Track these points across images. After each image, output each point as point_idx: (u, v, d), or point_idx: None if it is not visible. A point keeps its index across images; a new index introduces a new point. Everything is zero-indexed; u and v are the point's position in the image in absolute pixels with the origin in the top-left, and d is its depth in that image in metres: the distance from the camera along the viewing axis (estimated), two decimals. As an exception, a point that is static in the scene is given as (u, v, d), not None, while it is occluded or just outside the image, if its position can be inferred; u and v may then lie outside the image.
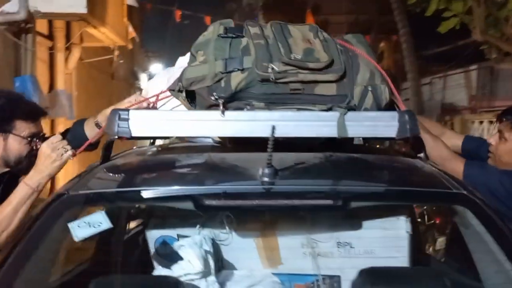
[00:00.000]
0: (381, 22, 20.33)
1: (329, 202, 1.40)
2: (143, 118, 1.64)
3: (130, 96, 2.07)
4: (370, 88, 1.73)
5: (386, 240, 1.59)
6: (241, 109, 1.67)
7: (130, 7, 7.67)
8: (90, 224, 1.29)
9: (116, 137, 1.65)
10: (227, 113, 1.63)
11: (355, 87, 1.72)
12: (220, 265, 1.76)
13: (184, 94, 1.76)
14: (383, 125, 1.68)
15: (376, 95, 1.74)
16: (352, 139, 1.95)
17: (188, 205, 1.43)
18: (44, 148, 1.84)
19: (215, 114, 1.63)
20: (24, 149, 1.95)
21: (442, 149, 1.96)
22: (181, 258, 1.51)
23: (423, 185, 1.52)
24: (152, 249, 1.71)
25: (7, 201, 1.83)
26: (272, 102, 1.68)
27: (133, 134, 1.62)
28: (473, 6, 7.94)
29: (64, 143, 1.86)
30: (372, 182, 1.52)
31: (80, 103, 6.87)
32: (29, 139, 1.95)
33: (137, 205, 1.94)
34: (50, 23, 6.22)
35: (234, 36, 1.72)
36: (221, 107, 1.62)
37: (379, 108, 1.73)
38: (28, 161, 1.95)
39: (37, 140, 1.96)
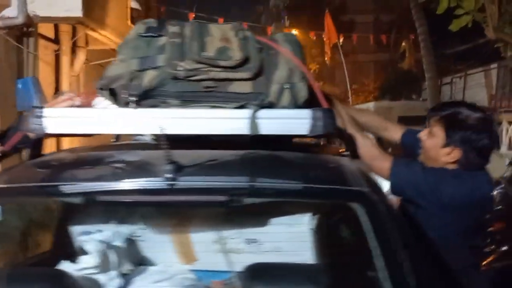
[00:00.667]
0: (403, 21, 20.05)
1: (220, 198, 1.41)
2: (58, 116, 1.68)
3: None
4: (287, 86, 1.73)
5: (291, 236, 1.59)
6: (156, 106, 1.70)
7: (141, 12, 7.83)
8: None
9: (43, 134, 1.71)
10: (139, 110, 1.66)
11: (272, 85, 1.72)
12: (138, 261, 1.79)
13: (108, 92, 1.80)
14: (296, 122, 1.67)
15: (293, 93, 1.73)
16: (291, 137, 1.96)
17: (86, 200, 1.45)
18: None
19: (126, 112, 1.66)
20: None
21: (370, 148, 1.93)
22: (85, 253, 1.55)
23: (320, 182, 1.50)
24: (75, 244, 1.76)
25: None
26: (186, 100, 1.69)
27: (48, 131, 1.66)
28: (486, 3, 7.75)
29: None
30: (269, 178, 1.51)
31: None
32: None
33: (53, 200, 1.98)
34: (56, 27, 6.40)
35: (154, 35, 1.75)
36: (133, 104, 1.65)
37: (297, 105, 1.73)
38: None
39: None
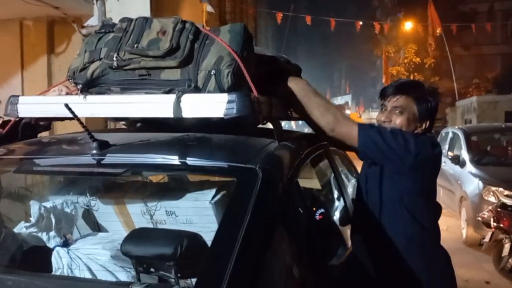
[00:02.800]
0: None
1: (119, 170, 1.61)
2: (28, 102, 2.01)
3: None
4: (213, 73, 1.86)
5: (198, 210, 1.73)
6: (103, 93, 1.95)
7: (211, 14, 8.24)
8: None
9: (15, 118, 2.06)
10: (88, 97, 1.93)
11: (199, 72, 1.86)
12: (96, 227, 2.07)
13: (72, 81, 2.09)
14: (213, 106, 1.79)
15: (218, 79, 1.85)
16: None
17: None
18: None
19: (79, 98, 1.93)
20: None
21: (335, 112, 2.01)
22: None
23: (214, 159, 1.62)
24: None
25: None
26: (125, 87, 1.92)
27: (20, 115, 2.01)
28: None
29: None
30: (164, 155, 1.67)
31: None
32: None
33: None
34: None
35: (106, 31, 2.01)
36: (79, 92, 1.92)
37: (221, 90, 1.84)
38: None
39: None
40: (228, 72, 1.84)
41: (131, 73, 1.90)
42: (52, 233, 1.84)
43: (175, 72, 1.87)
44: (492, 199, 6.00)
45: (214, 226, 1.70)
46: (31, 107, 2.01)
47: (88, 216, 2.04)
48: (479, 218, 5.54)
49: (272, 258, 1.30)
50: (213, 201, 1.70)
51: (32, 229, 1.82)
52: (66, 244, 1.86)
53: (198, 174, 1.78)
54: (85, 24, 5.80)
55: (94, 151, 1.70)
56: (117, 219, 1.99)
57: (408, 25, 25.63)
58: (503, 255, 5.14)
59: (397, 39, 27.48)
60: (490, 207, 5.51)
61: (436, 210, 2.21)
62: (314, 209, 2.05)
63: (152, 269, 1.47)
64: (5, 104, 2.07)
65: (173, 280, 1.45)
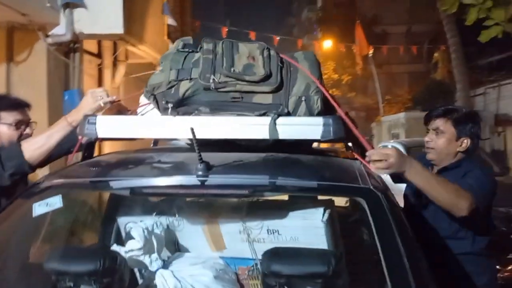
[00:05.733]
0: (436, 32, 19.95)
1: (243, 192, 1.66)
2: (108, 122, 1.98)
3: None
4: (303, 99, 1.98)
5: (306, 228, 1.82)
6: (189, 113, 1.97)
7: (177, 26, 8.26)
8: (48, 204, 1.65)
9: (93, 138, 2.01)
10: (176, 118, 1.94)
11: (290, 97, 1.97)
12: (176, 248, 2.07)
13: (152, 97, 2.08)
14: (309, 128, 1.91)
15: (308, 104, 1.97)
16: (308, 142, 2.19)
17: (129, 192, 1.73)
18: (87, 94, 2.21)
19: (166, 119, 1.94)
20: (13, 134, 2.30)
21: (449, 189, 2.03)
22: (132, 238, 1.83)
23: (330, 179, 1.74)
24: (122, 233, 2.06)
25: (47, 130, 2.22)
26: (216, 108, 1.97)
27: (99, 136, 1.97)
28: (516, 14, 7.72)
29: (103, 93, 2.20)
30: (285, 176, 1.76)
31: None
32: (15, 125, 2.31)
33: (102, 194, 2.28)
34: (99, 43, 6.87)
35: (190, 51, 2.04)
36: (170, 110, 1.93)
37: (311, 115, 1.96)
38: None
39: (24, 126, 2.33)
40: (318, 98, 1.98)
41: (224, 95, 1.95)
42: (154, 256, 1.83)
43: (267, 96, 1.96)
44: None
45: (323, 244, 1.81)
46: (111, 127, 1.98)
47: (169, 236, 2.04)
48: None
49: (427, 269, 1.46)
50: (324, 220, 1.80)
51: (136, 252, 1.79)
52: (165, 266, 1.86)
53: (324, 195, 1.88)
54: (49, 33, 5.53)
55: (201, 172, 1.73)
56: (203, 239, 2.01)
57: (327, 44, 26.94)
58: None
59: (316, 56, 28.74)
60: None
61: None
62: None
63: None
64: (80, 124, 2.02)
65: None
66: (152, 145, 2.73)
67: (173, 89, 1.95)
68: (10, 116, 2.32)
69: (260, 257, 1.90)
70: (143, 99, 2.52)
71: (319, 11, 32.34)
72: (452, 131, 2.39)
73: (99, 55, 7.07)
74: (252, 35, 12.11)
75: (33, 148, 2.18)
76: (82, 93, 5.93)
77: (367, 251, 1.61)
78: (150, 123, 1.97)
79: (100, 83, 7.01)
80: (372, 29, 28.85)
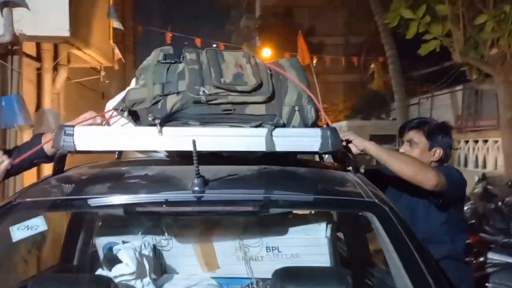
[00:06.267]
0: (372, 44, 20.81)
1: (246, 208, 1.56)
2: (87, 134, 1.80)
3: None
4: (297, 108, 1.91)
5: (309, 245, 1.75)
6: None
7: (119, 30, 7.94)
8: (29, 227, 1.45)
9: (66, 151, 1.82)
10: (166, 129, 1.80)
11: (283, 107, 1.90)
12: (163, 269, 1.91)
13: (126, 113, 1.92)
14: (307, 140, 1.84)
15: (302, 114, 1.91)
16: (295, 155, 2.13)
17: (122, 211, 1.57)
18: None
19: (153, 130, 1.79)
20: None
21: (414, 161, 2.21)
22: (119, 261, 1.66)
23: (335, 193, 1.68)
24: (100, 254, 1.87)
25: None
26: (206, 122, 1.84)
27: (78, 148, 1.78)
28: (452, 29, 8.17)
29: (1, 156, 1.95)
30: (286, 190, 1.68)
31: (69, 121, 7.02)
32: None
33: (79, 212, 2.08)
34: (38, 45, 6.43)
35: (172, 62, 1.90)
36: (158, 127, 1.78)
37: (306, 125, 1.90)
38: None
39: None
40: (311, 108, 1.92)
41: (214, 108, 1.84)
42: (146, 280, 1.67)
43: (260, 107, 1.87)
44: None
45: (325, 260, 1.74)
46: (91, 140, 1.80)
47: (156, 256, 1.88)
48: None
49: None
50: (328, 235, 1.73)
51: (128, 277, 1.62)
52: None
53: (331, 210, 1.80)
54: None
55: (197, 188, 1.61)
56: (193, 259, 1.88)
57: (266, 52, 27.27)
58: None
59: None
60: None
61: None
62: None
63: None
64: (55, 135, 1.82)
65: None
66: (116, 157, 2.54)
67: (159, 104, 1.81)
68: None
69: (256, 275, 1.81)
70: (110, 105, 2.34)
71: (257, 19, 32.69)
72: (425, 142, 2.49)
73: (38, 58, 6.62)
74: (198, 41, 11.96)
75: None
76: (22, 99, 5.51)
77: (377, 263, 1.57)
78: (138, 134, 1.82)
79: (39, 88, 6.56)
80: (309, 40, 29.59)
